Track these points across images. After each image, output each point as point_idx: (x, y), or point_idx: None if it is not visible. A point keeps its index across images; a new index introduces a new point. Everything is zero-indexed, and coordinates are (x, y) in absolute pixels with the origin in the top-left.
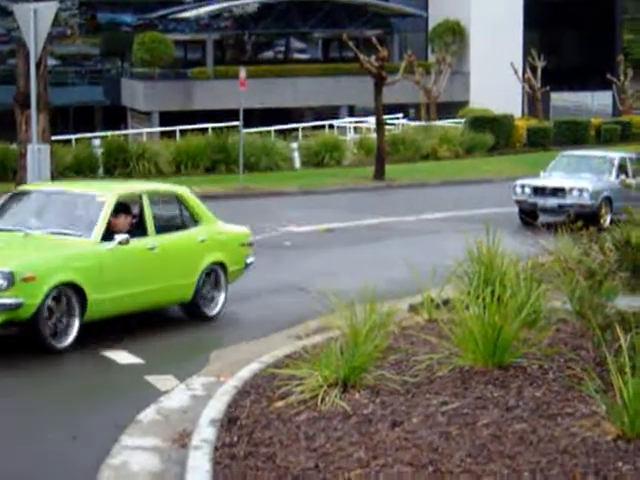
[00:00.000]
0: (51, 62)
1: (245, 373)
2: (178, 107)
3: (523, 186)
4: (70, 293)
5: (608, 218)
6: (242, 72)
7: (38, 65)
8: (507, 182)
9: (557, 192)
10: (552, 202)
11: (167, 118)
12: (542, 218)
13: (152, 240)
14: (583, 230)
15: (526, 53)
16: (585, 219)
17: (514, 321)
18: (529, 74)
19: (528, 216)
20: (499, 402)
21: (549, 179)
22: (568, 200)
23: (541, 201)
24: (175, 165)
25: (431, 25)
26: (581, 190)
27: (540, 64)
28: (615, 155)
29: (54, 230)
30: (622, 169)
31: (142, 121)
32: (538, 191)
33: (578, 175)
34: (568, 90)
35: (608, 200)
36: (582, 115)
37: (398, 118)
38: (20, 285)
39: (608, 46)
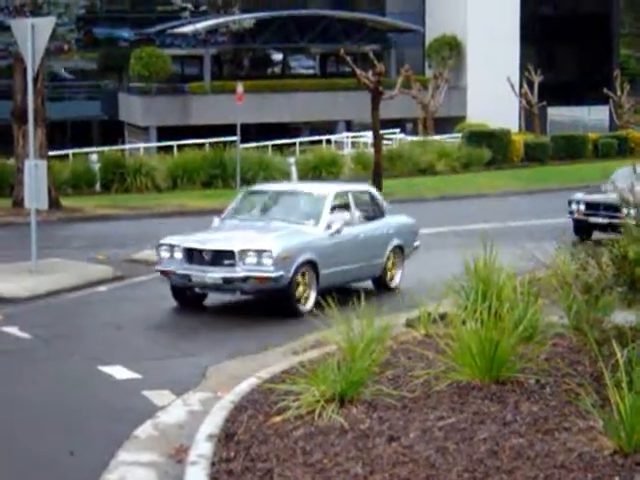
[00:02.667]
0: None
1: (242, 388)
2: (175, 122)
3: (172, 247)
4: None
5: (311, 299)
6: (239, 87)
7: (35, 80)
8: (504, 197)
9: (217, 259)
10: (185, 278)
11: (164, 133)
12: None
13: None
14: None
15: (523, 68)
16: (267, 303)
17: (511, 336)
18: (526, 89)
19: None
20: (496, 417)
21: (207, 235)
22: (232, 272)
23: (197, 275)
24: (172, 180)
25: (428, 40)
26: (260, 253)
27: (537, 79)
28: (329, 190)
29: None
30: (340, 210)
31: (139, 136)
32: (193, 259)
33: (260, 225)
34: (565, 105)
35: (310, 267)
36: (579, 130)
37: (395, 133)
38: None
39: (605, 61)
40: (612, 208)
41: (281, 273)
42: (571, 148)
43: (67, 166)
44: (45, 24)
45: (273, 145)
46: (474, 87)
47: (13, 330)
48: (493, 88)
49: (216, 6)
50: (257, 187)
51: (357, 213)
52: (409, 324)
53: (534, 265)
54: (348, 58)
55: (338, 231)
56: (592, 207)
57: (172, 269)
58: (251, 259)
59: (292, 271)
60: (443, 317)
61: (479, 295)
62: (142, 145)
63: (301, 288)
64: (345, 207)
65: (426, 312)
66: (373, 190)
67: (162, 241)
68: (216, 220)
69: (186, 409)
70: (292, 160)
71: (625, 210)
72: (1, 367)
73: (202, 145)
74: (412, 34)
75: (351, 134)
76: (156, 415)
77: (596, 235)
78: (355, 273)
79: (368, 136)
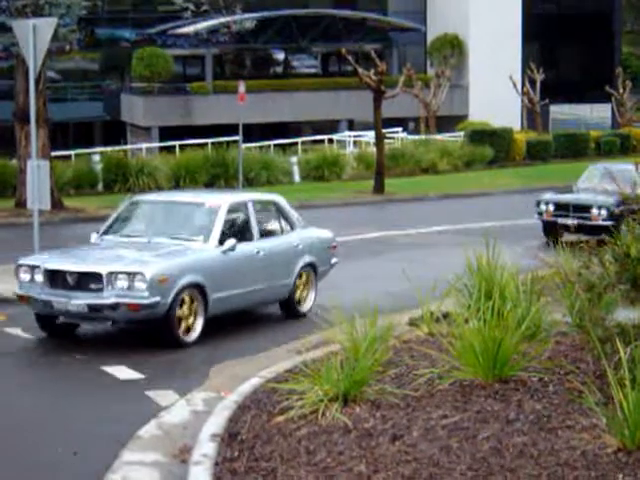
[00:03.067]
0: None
1: (245, 388)
2: (177, 122)
3: (32, 268)
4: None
5: (197, 328)
6: (241, 87)
7: (37, 81)
8: (506, 195)
9: (82, 283)
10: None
11: (166, 133)
12: None
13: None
14: None
15: (525, 66)
16: (145, 332)
17: (514, 334)
18: (528, 87)
19: None
20: (499, 415)
21: (76, 253)
22: (98, 298)
23: (58, 301)
24: (174, 180)
25: (430, 39)
26: (131, 276)
27: (539, 77)
28: (223, 201)
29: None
30: (233, 228)
31: (141, 136)
32: (56, 282)
33: (141, 243)
34: (567, 103)
35: (196, 291)
36: (581, 128)
37: (397, 132)
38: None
39: (607, 59)
40: (582, 209)
41: (157, 299)
42: (573, 146)
43: (69, 167)
44: (47, 25)
45: (275, 145)
46: (476, 85)
47: (16, 331)
48: (495, 86)
49: (217, 6)
50: (141, 197)
51: (257, 226)
52: (412, 323)
53: (537, 263)
54: (350, 57)
55: (232, 248)
56: (561, 208)
57: (32, 294)
58: (122, 283)
59: (171, 296)
60: (446, 316)
61: (482, 294)
62: (144, 145)
63: (184, 316)
64: (244, 220)
65: (429, 311)
66: (280, 199)
67: (21, 261)
68: (94, 236)
69: (190, 409)
70: (294, 160)
71: (595, 211)
72: (4, 368)
73: (204, 145)
74: (414, 33)
75: (353, 133)
76: (160, 415)
77: (566, 237)
78: (256, 296)
79: (370, 135)
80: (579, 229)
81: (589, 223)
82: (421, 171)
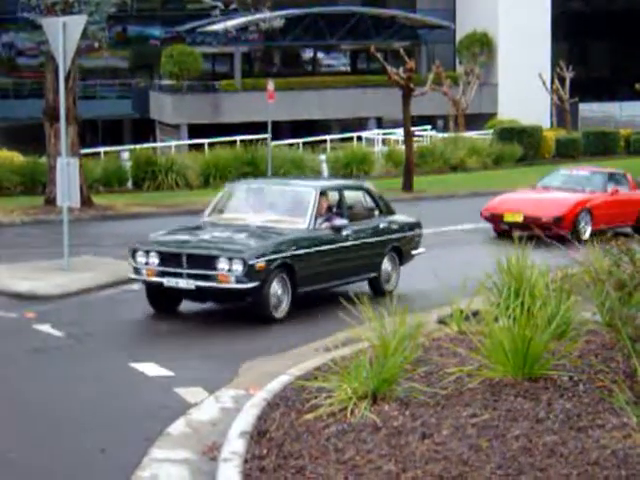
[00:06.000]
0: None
1: (274, 385)
2: (206, 120)
3: None
4: None
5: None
6: (270, 84)
7: (67, 79)
8: None
9: None
10: None
11: (195, 131)
12: None
13: None
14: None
15: (554, 64)
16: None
17: (544, 333)
18: (557, 85)
19: None
20: (529, 414)
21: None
22: None
23: None
24: (204, 178)
25: (459, 36)
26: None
27: (568, 75)
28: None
29: None
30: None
31: (170, 134)
32: None
33: None
34: (596, 101)
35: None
36: (610, 126)
37: (426, 130)
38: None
39: (637, 56)
40: (204, 261)
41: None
42: (603, 144)
43: (99, 164)
44: (76, 22)
45: (304, 142)
46: (505, 83)
47: (46, 328)
48: (524, 84)
49: (246, 4)
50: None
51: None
52: (441, 321)
53: (567, 261)
54: (379, 55)
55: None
56: (170, 260)
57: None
58: (223, 265)
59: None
60: (475, 314)
61: (511, 292)
62: (173, 143)
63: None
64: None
65: (458, 309)
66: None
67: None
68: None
69: (218, 406)
70: (323, 157)
71: (223, 265)
72: (34, 364)
73: (233, 143)
74: (443, 30)
75: (382, 131)
76: (188, 412)
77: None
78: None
79: (399, 133)
80: (196, 295)
81: (215, 286)
82: (450, 169)
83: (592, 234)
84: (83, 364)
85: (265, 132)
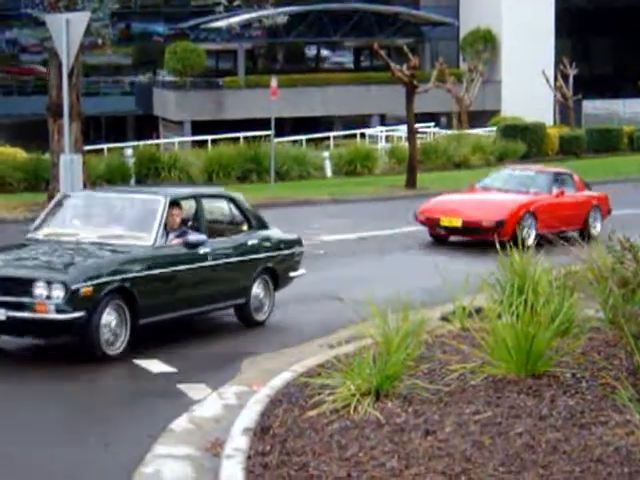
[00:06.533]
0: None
1: (277, 382)
2: (209, 116)
3: None
4: None
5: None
6: (274, 81)
7: (70, 75)
8: None
9: None
10: None
11: (198, 127)
12: None
13: None
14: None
15: (558, 61)
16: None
17: (547, 330)
18: (561, 82)
19: None
20: (532, 411)
21: None
22: None
23: None
24: (207, 174)
25: (462, 33)
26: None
27: (572, 72)
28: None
29: None
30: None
31: (174, 130)
32: None
33: None
34: (600, 98)
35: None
36: (614, 123)
37: (430, 127)
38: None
39: (639, 53)
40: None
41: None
42: (606, 141)
43: (102, 161)
44: (80, 19)
45: (307, 139)
46: (509, 80)
47: None
48: (528, 81)
49: (250, 1)
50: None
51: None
52: (444, 318)
53: (570, 258)
54: (382, 52)
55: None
56: None
57: None
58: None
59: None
60: (478, 311)
61: (515, 289)
62: (176, 139)
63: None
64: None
65: (461, 306)
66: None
67: None
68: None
69: (222, 403)
70: (326, 154)
71: (40, 291)
72: (37, 360)
73: (237, 139)
74: (446, 27)
75: (385, 128)
76: (192, 409)
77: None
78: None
79: (402, 130)
80: (8, 328)
81: (31, 317)
82: (453, 166)
83: (536, 239)
84: (86, 361)
85: (268, 129)
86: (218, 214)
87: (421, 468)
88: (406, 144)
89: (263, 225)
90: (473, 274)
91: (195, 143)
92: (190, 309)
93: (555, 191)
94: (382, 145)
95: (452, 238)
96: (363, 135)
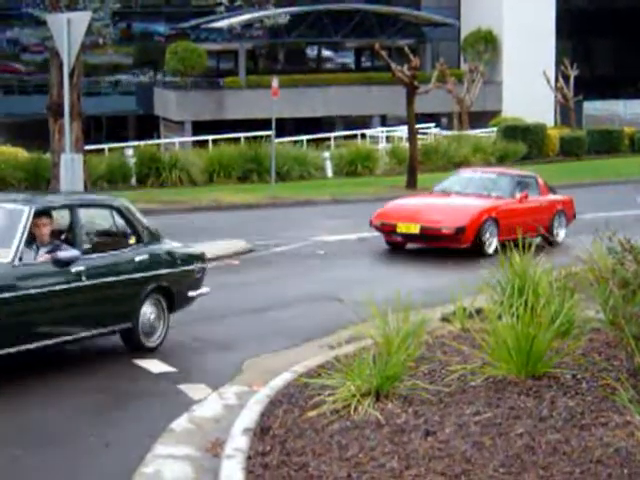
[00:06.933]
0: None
1: (278, 382)
2: (210, 116)
3: None
4: None
5: None
6: (275, 81)
7: (71, 75)
8: None
9: None
10: None
11: (199, 127)
12: None
13: None
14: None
15: (559, 62)
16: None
17: (547, 331)
18: (562, 83)
19: None
20: (532, 412)
21: None
22: None
23: None
24: (208, 174)
25: (463, 34)
26: None
27: (573, 73)
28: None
29: None
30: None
31: (174, 130)
32: None
33: None
34: (601, 99)
35: None
36: (615, 124)
37: (430, 127)
38: None
39: None
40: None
41: None
42: (607, 142)
43: (103, 160)
44: (81, 19)
45: (308, 139)
46: (509, 81)
47: None
48: (529, 82)
49: (251, 1)
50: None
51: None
52: (445, 319)
53: (570, 259)
54: (383, 52)
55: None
56: None
57: None
58: None
59: None
60: (479, 312)
61: (515, 290)
62: (177, 140)
63: None
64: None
65: (462, 307)
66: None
67: None
68: None
69: (222, 403)
70: (327, 154)
71: None
72: (38, 360)
73: (237, 139)
74: (447, 28)
75: (386, 128)
76: (192, 409)
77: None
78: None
79: (403, 130)
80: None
81: None
82: (454, 166)
83: (498, 246)
84: (86, 360)
85: (269, 129)
86: (100, 226)
87: (421, 469)
88: (407, 145)
89: (155, 238)
90: (474, 275)
91: (196, 143)
92: (62, 336)
93: (518, 195)
94: (383, 146)
95: (409, 245)
96: (364, 136)
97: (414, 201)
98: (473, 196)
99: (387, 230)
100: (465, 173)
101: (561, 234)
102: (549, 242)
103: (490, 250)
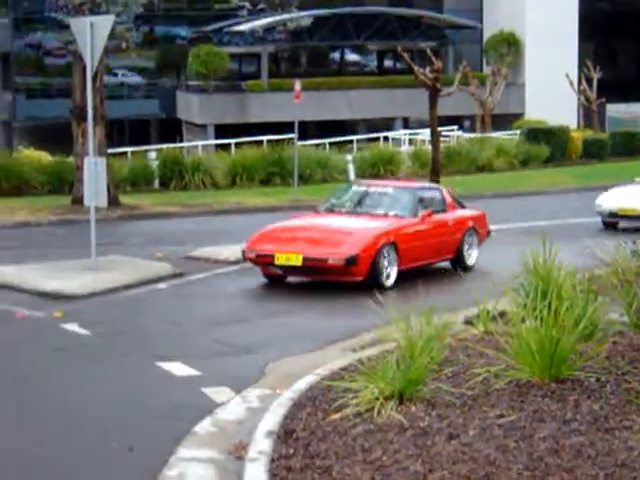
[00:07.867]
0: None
1: (301, 385)
2: (233, 120)
3: None
4: None
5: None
6: (297, 85)
7: (94, 78)
8: (562, 194)
9: None
10: None
11: (222, 131)
12: None
13: None
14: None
15: (581, 64)
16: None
17: (571, 334)
18: (584, 85)
19: None
20: (556, 415)
21: None
22: None
23: None
24: (230, 177)
25: (486, 36)
26: None
27: (596, 75)
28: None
29: None
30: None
31: (197, 134)
32: None
33: None
34: (624, 101)
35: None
36: (638, 127)
37: (453, 130)
38: None
39: None
40: None
41: None
42: (630, 145)
43: (126, 164)
44: (104, 22)
45: (331, 142)
46: (532, 83)
47: (73, 327)
48: (551, 85)
49: (273, 4)
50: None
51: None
52: (468, 322)
53: (594, 262)
54: (405, 55)
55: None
56: None
57: None
58: None
59: None
60: (502, 315)
61: (538, 293)
62: (200, 143)
63: None
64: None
65: (485, 310)
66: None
67: None
68: None
69: (245, 406)
70: (350, 157)
71: None
72: (62, 363)
73: (260, 143)
74: (470, 30)
75: (408, 131)
76: (215, 412)
77: None
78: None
79: (425, 133)
80: None
81: None
82: (477, 169)
83: (398, 276)
84: (110, 363)
85: (292, 132)
86: None
87: (445, 472)
88: (429, 147)
89: None
90: (497, 278)
91: (218, 146)
92: None
93: (421, 213)
94: (405, 148)
95: (290, 278)
96: (386, 138)
97: (296, 223)
98: (367, 216)
99: (263, 262)
100: (358, 186)
101: (473, 256)
102: (460, 267)
103: (389, 282)
